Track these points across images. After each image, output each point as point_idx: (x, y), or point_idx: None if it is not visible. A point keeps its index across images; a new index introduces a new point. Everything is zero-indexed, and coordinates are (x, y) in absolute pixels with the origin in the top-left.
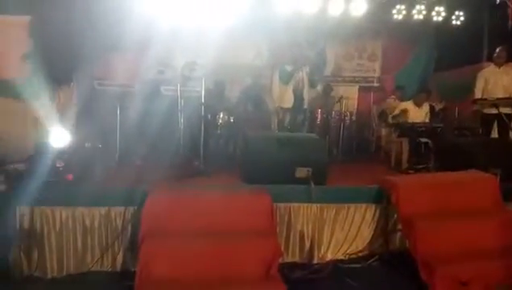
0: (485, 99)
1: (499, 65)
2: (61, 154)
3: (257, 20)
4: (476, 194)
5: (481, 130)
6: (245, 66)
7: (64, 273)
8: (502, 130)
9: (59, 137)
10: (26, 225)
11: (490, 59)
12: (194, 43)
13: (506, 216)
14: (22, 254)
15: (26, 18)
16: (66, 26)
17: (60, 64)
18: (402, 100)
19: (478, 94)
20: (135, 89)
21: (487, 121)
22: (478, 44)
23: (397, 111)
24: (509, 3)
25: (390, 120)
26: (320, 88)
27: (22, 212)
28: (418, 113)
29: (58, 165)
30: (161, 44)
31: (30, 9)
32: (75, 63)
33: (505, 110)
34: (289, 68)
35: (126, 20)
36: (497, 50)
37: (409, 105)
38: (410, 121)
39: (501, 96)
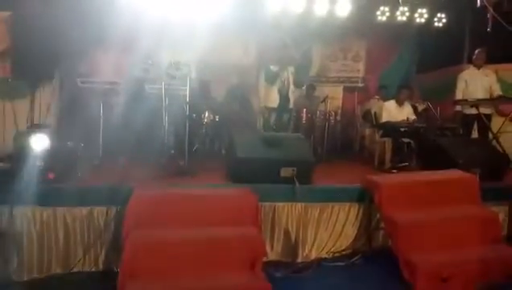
0: (466, 100)
1: (478, 67)
2: (42, 152)
3: (244, 18)
4: (456, 193)
5: (461, 131)
6: (231, 65)
7: (45, 274)
8: (482, 131)
9: (39, 135)
10: (4, 225)
11: (471, 61)
12: (180, 41)
13: (485, 214)
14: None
15: (5, 14)
16: (47, 22)
17: (41, 60)
18: (385, 99)
19: (459, 95)
20: (119, 87)
21: (467, 121)
22: (459, 46)
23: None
24: (489, 7)
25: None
26: (304, 88)
27: (0, 211)
28: (399, 113)
29: (39, 164)
30: (146, 42)
31: (10, 4)
32: (57, 59)
33: (484, 111)
34: (274, 68)
35: (111, 16)
36: (476, 52)
37: (391, 104)
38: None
39: (480, 97)
